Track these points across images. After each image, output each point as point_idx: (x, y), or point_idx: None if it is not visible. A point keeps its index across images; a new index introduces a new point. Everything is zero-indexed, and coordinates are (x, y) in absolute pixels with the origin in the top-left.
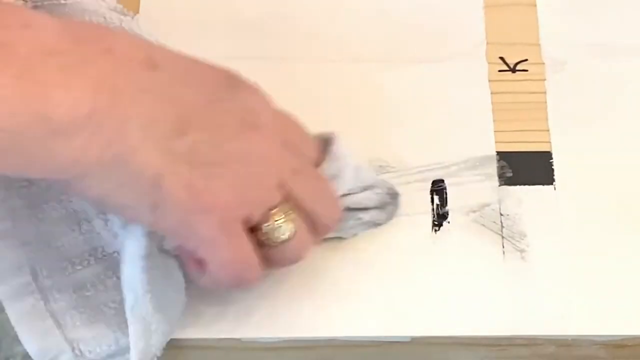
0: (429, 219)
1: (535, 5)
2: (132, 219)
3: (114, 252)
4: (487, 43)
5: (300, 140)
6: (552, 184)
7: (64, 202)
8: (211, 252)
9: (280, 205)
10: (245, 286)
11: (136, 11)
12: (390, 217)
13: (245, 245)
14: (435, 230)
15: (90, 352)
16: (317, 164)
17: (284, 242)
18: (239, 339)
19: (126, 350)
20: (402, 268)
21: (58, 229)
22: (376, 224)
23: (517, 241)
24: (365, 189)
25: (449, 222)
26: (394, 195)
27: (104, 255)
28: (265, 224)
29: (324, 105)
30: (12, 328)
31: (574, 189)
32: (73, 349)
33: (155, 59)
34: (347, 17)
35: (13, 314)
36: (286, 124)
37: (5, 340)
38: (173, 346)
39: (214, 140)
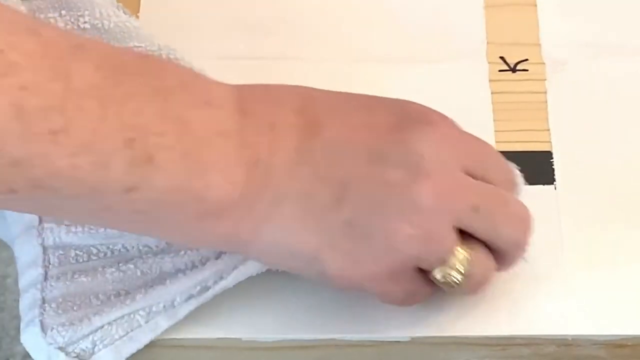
0: None
1: (536, 5)
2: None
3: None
4: (488, 43)
5: (486, 166)
6: (552, 184)
7: None
8: (382, 298)
9: (454, 249)
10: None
11: (136, 11)
12: None
13: (416, 288)
14: None
15: (62, 336)
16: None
17: (458, 286)
18: (239, 339)
19: (100, 328)
20: None
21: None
22: None
23: None
24: None
25: None
26: None
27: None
28: (436, 274)
29: None
30: (12, 328)
31: (574, 189)
32: (47, 338)
33: (318, 122)
34: (347, 18)
35: (22, 307)
36: (469, 151)
37: (5, 340)
38: (173, 345)
39: (376, 203)
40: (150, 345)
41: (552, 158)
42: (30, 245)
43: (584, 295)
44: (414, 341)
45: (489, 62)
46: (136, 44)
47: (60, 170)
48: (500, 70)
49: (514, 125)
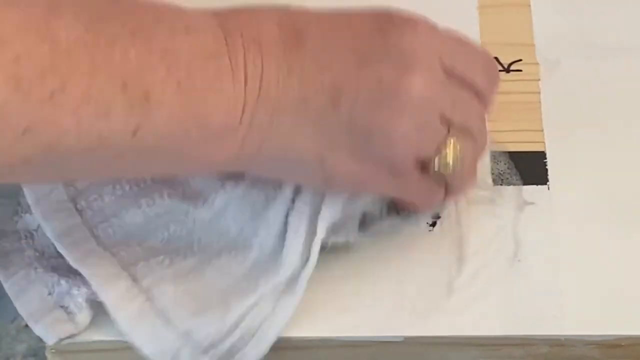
0: (424, 217)
1: (530, 6)
2: (309, 186)
3: (210, 242)
4: (482, 43)
5: (470, 67)
6: (546, 184)
7: (151, 205)
8: (394, 194)
9: (445, 139)
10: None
11: None
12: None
13: (420, 180)
14: (430, 230)
15: (205, 339)
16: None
17: (456, 169)
18: None
19: (235, 326)
20: (396, 267)
21: (149, 227)
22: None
23: (512, 241)
24: None
25: (443, 222)
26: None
27: (200, 247)
28: (434, 162)
29: None
30: (12, 328)
31: (567, 189)
32: (188, 341)
33: (301, 31)
34: None
35: (122, 321)
36: (453, 50)
37: (5, 340)
38: None
39: (370, 102)
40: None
41: (545, 158)
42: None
43: (577, 295)
44: (408, 341)
45: None
46: None
47: (67, 129)
48: None
49: (508, 125)
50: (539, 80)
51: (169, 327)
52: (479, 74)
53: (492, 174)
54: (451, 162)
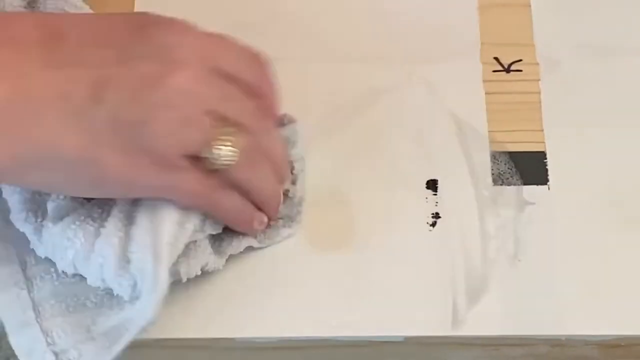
0: (423, 218)
1: (530, 6)
2: (76, 195)
3: None
4: (482, 43)
5: (235, 63)
6: (546, 184)
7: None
8: (172, 195)
9: (217, 134)
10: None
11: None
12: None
13: (189, 175)
14: (430, 230)
15: (60, 337)
16: (264, 88)
17: (231, 163)
18: (232, 339)
19: (97, 337)
20: (396, 267)
21: None
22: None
23: (512, 241)
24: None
25: (443, 222)
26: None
27: None
28: (204, 153)
29: (320, 106)
30: None
31: (568, 189)
32: (46, 338)
33: (59, 30)
34: (342, 18)
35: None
36: (215, 48)
37: (5, 340)
38: (167, 346)
39: (134, 95)
40: (142, 345)
41: (545, 158)
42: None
43: (577, 295)
44: (408, 341)
45: (482, 63)
46: None
47: None
48: (494, 71)
49: (508, 125)
50: (539, 80)
51: (36, 320)
52: (245, 70)
53: (492, 174)
54: (222, 154)
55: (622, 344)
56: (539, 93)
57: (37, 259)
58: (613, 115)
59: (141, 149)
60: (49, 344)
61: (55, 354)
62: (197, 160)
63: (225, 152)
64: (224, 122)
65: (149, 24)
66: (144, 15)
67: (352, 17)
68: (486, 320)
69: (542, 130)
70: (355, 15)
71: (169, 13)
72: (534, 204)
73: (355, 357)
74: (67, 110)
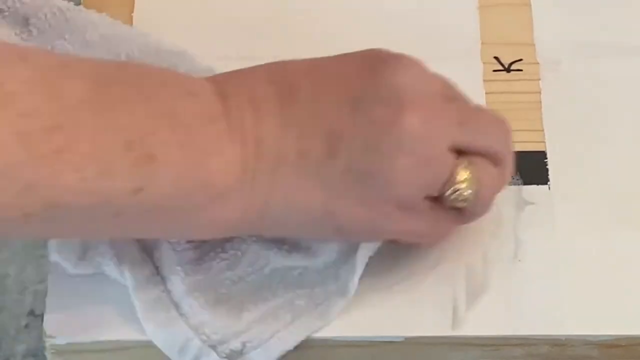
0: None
1: (530, 5)
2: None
3: None
4: (482, 43)
5: (453, 88)
6: (546, 184)
7: None
8: (407, 236)
9: (456, 167)
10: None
11: (130, 11)
12: None
13: (435, 218)
14: None
15: (215, 333)
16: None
17: (471, 200)
18: None
19: (248, 327)
20: (396, 267)
21: None
22: None
23: (512, 241)
24: None
25: None
26: None
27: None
28: (447, 194)
29: None
30: (12, 328)
31: (568, 189)
32: (199, 335)
33: (293, 84)
34: (342, 18)
35: (139, 304)
36: (441, 80)
37: (5, 340)
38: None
39: (365, 145)
40: None
41: (546, 158)
42: None
43: (577, 295)
44: (408, 341)
45: (483, 62)
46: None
47: (70, 186)
48: (494, 70)
49: None
50: (539, 80)
51: (181, 317)
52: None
53: None
54: (465, 194)
55: (622, 344)
56: (539, 93)
57: (164, 258)
58: (613, 115)
59: (380, 198)
60: (204, 341)
61: (213, 347)
62: (436, 199)
63: (467, 189)
64: (466, 153)
65: (379, 64)
66: (372, 54)
67: (353, 17)
68: (486, 321)
69: (542, 130)
70: (356, 15)
71: (169, 13)
72: (534, 204)
73: (355, 357)
74: (307, 166)
